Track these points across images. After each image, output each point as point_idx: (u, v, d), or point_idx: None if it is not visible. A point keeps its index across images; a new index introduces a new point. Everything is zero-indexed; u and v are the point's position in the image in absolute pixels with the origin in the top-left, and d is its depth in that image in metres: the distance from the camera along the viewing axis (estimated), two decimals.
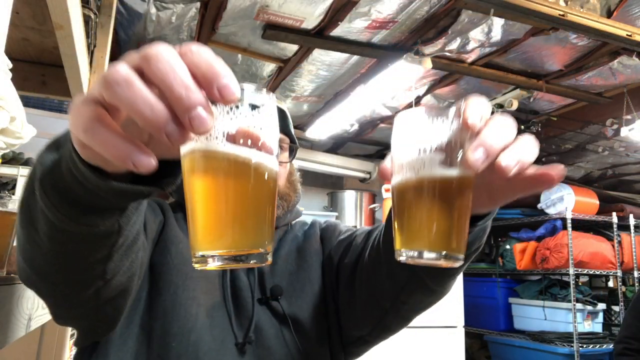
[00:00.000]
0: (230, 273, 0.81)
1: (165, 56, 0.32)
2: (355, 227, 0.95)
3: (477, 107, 0.41)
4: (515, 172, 0.40)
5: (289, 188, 0.92)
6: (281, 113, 0.92)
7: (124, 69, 0.32)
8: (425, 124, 0.44)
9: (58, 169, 0.43)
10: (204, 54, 0.33)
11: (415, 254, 0.43)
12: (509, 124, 0.42)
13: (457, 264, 0.43)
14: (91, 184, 0.40)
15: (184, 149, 0.38)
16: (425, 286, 0.65)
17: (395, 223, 0.46)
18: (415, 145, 0.44)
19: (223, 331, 0.75)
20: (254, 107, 0.38)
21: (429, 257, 0.42)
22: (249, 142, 0.37)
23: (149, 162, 0.33)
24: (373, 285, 0.71)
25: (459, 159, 0.42)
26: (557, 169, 0.42)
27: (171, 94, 0.32)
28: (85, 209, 0.44)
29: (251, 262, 0.37)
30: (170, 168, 0.44)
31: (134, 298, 0.72)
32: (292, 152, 0.93)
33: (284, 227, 0.94)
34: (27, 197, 0.48)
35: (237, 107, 0.37)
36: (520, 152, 0.41)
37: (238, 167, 0.37)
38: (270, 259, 0.39)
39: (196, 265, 0.37)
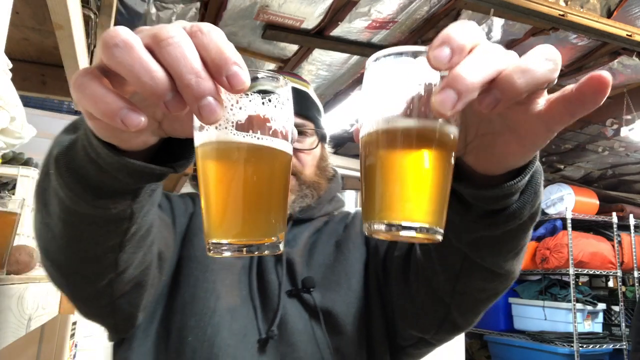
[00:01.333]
0: (257, 266, 0.77)
1: (177, 39, 0.31)
2: None
3: (451, 35, 0.32)
4: (523, 88, 0.32)
5: (319, 175, 0.86)
6: (304, 96, 0.87)
7: (124, 31, 0.31)
8: (395, 67, 0.36)
9: (73, 149, 0.43)
10: (215, 37, 0.32)
11: (373, 226, 0.36)
12: (500, 50, 0.33)
13: (425, 236, 0.35)
14: (104, 160, 0.40)
15: (196, 139, 0.37)
16: (482, 269, 0.55)
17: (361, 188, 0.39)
18: (377, 93, 0.37)
19: (246, 326, 0.71)
20: (265, 94, 0.37)
21: (378, 228, 0.35)
22: (259, 131, 0.36)
23: (138, 120, 0.32)
24: (428, 277, 0.63)
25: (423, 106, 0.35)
26: (601, 73, 0.32)
27: (181, 80, 0.31)
28: (97, 190, 0.43)
29: (264, 251, 0.37)
30: (186, 151, 0.44)
31: (158, 293, 0.72)
32: (319, 138, 0.87)
33: (323, 218, 0.87)
34: (42, 179, 0.48)
35: (247, 95, 0.36)
36: (524, 64, 0.32)
37: (247, 156, 0.36)
38: (282, 247, 0.38)
39: (209, 253, 0.37)
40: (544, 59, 0.33)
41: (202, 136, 0.36)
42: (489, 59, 0.32)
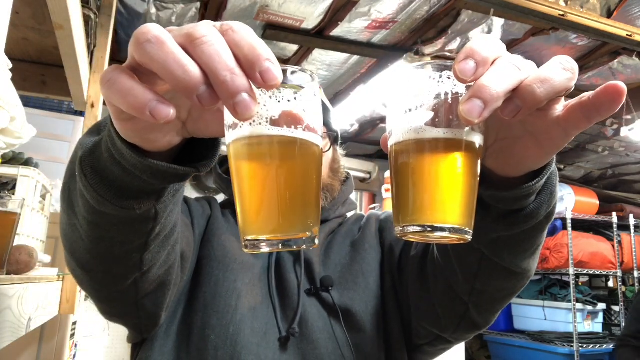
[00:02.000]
0: (275, 265, 0.79)
1: (210, 38, 0.31)
2: None
3: (474, 49, 0.34)
4: (543, 97, 0.34)
5: (332, 178, 0.89)
6: None
7: (156, 28, 0.31)
8: (422, 79, 0.38)
9: (98, 150, 0.43)
10: (246, 35, 0.32)
11: (407, 228, 0.38)
12: (520, 61, 0.35)
13: (456, 236, 0.37)
14: (128, 162, 0.40)
15: (228, 137, 0.37)
16: (500, 268, 0.57)
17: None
18: (406, 103, 0.39)
19: (266, 324, 0.72)
20: (296, 89, 0.37)
21: (412, 230, 0.38)
22: (292, 125, 0.36)
23: (167, 112, 0.31)
24: (447, 277, 0.65)
25: (451, 116, 0.37)
26: (617, 82, 0.34)
27: (216, 77, 0.31)
28: (122, 191, 0.43)
29: (301, 246, 0.37)
30: (208, 151, 0.44)
31: (179, 293, 0.73)
32: (331, 140, 0.89)
33: (338, 220, 0.89)
34: (67, 180, 0.49)
35: (279, 90, 0.36)
36: (543, 74, 0.34)
37: (284, 151, 0.36)
38: (317, 242, 0.38)
39: (245, 250, 0.37)
40: (562, 69, 0.35)
41: (236, 133, 0.36)
42: (511, 70, 0.34)
